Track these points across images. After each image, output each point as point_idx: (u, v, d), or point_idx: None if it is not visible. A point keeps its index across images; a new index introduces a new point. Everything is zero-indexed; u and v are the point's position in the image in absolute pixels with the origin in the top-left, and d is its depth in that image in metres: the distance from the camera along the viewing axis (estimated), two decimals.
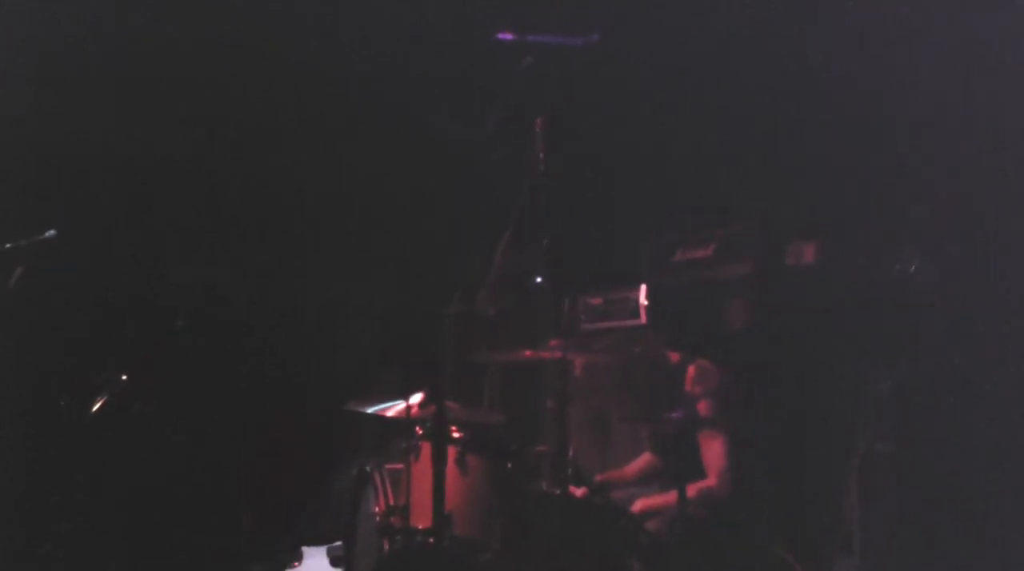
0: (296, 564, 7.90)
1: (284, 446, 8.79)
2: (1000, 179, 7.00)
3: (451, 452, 6.32)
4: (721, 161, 7.84)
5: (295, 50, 8.25)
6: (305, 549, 8.00)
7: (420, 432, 6.48)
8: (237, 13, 8.10)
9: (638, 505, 6.81)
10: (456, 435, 6.44)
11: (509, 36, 6.21)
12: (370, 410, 6.75)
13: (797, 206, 7.68)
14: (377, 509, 6.52)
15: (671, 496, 6.69)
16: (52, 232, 7.04)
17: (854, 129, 7.48)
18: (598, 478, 7.15)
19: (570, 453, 6.44)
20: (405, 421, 6.52)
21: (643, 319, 7.96)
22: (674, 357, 7.10)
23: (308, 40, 8.20)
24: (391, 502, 6.52)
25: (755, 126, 7.73)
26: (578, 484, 6.59)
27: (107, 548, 8.10)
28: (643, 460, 7.39)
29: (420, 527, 6.33)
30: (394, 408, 6.66)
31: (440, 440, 6.19)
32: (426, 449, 6.35)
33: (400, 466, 6.56)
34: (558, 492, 6.42)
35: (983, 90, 7.04)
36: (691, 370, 6.94)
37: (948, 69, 7.18)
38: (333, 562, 7.82)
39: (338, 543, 7.89)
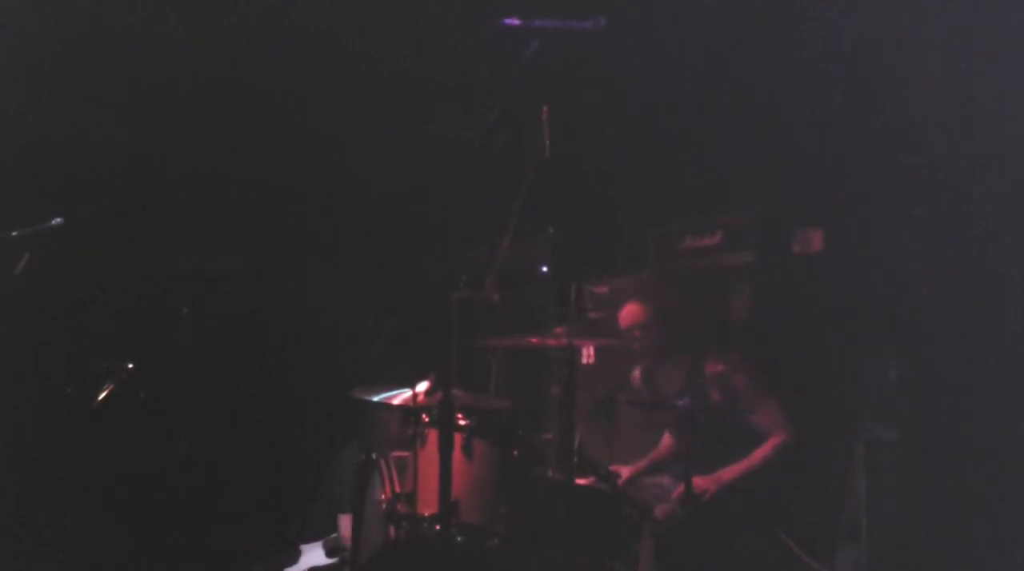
0: (294, 563, 7.93)
1: (289, 437, 8.81)
2: (1000, 178, 7.05)
3: (457, 439, 6.32)
4: (726, 150, 7.88)
5: (298, 45, 8.29)
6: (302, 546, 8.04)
7: (426, 419, 6.48)
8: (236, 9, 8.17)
9: (727, 474, 6.86)
10: (462, 422, 6.44)
11: (515, 21, 6.21)
12: (376, 398, 6.74)
13: (800, 196, 7.73)
14: (383, 496, 6.52)
15: (754, 459, 6.87)
16: (59, 220, 7.06)
17: (856, 122, 7.53)
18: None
19: (576, 440, 6.43)
20: (411, 409, 6.52)
21: None
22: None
23: (310, 35, 8.23)
24: (397, 489, 6.52)
25: (760, 116, 7.78)
26: (584, 471, 6.61)
27: (108, 540, 8.10)
28: (665, 443, 7.43)
29: (426, 514, 6.34)
30: (400, 396, 6.66)
31: (446, 427, 6.18)
32: (432, 436, 6.36)
33: (406, 453, 6.57)
34: (564, 479, 6.42)
35: (983, 90, 7.08)
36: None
37: (948, 67, 7.23)
38: (329, 553, 7.85)
39: (334, 535, 7.92)
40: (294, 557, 7.99)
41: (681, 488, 6.68)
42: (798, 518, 7.00)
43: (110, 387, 7.45)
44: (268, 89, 8.62)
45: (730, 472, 6.87)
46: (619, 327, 7.23)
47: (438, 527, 6.18)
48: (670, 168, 8.21)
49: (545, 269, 7.98)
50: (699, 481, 6.75)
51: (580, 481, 6.62)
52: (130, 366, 7.52)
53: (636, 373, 7.42)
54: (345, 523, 7.75)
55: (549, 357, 7.81)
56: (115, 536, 8.17)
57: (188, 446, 8.56)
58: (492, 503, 6.38)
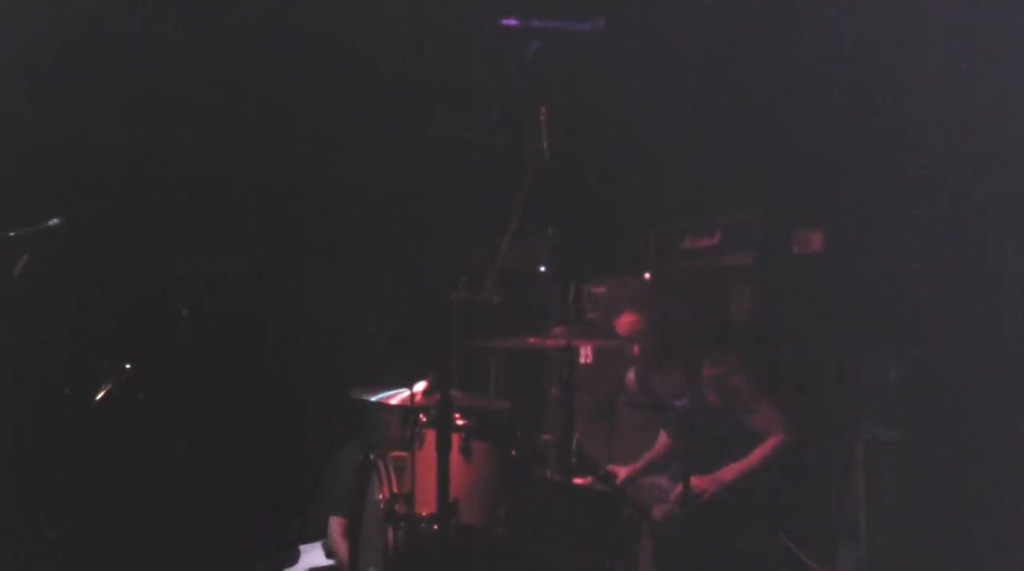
0: (293, 564, 7.92)
1: (287, 439, 8.82)
2: (1000, 178, 7.04)
3: (455, 439, 6.30)
4: (726, 150, 7.88)
5: (298, 45, 8.29)
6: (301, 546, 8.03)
7: (424, 420, 6.47)
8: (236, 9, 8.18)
9: (726, 474, 6.87)
10: (460, 423, 6.42)
11: (513, 22, 6.21)
12: (374, 398, 6.74)
13: (800, 196, 7.73)
14: (381, 497, 6.50)
15: (753, 459, 6.87)
16: (57, 220, 7.06)
17: (856, 122, 7.53)
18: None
19: (575, 440, 6.43)
20: (410, 409, 6.51)
21: None
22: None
23: (310, 35, 8.24)
24: (395, 490, 6.49)
25: (760, 116, 7.78)
26: (582, 471, 6.60)
27: (108, 540, 8.10)
28: (661, 442, 7.44)
29: (424, 514, 6.31)
30: (399, 396, 6.66)
31: (444, 427, 6.17)
32: (430, 437, 6.33)
33: (404, 454, 6.55)
34: (562, 479, 6.42)
35: (983, 90, 7.08)
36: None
37: (948, 67, 7.23)
38: (329, 554, 7.84)
39: None
40: (293, 558, 7.98)
41: (680, 489, 6.68)
42: (798, 518, 6.99)
43: (108, 388, 7.45)
44: (268, 89, 8.63)
45: (729, 472, 6.87)
46: (617, 332, 7.24)
47: (436, 527, 6.17)
48: (670, 168, 8.21)
49: (544, 269, 7.98)
50: (698, 481, 6.74)
51: (578, 482, 6.61)
52: (128, 367, 7.53)
53: (630, 376, 7.42)
54: (335, 526, 7.76)
55: (548, 358, 7.80)
56: (115, 536, 8.18)
57: (188, 446, 8.56)
58: (491, 504, 6.37)
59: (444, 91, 8.54)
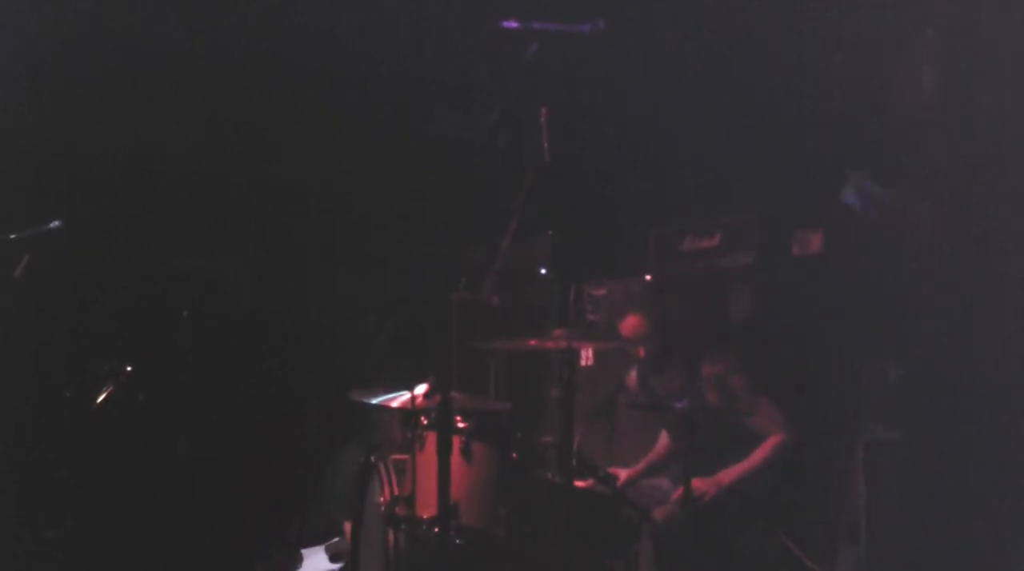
0: (296, 568, 7.92)
1: (287, 439, 8.82)
2: (1000, 178, 7.04)
3: (456, 442, 6.30)
4: (726, 150, 7.88)
5: (298, 45, 8.30)
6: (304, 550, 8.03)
7: (425, 422, 6.47)
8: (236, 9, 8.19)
9: (726, 476, 6.87)
10: (461, 425, 6.42)
11: (513, 24, 6.21)
12: (375, 400, 6.73)
13: (800, 196, 7.73)
14: (382, 499, 6.50)
15: (753, 459, 6.87)
16: (57, 222, 7.07)
17: (855, 122, 7.53)
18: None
19: (575, 442, 6.43)
20: (410, 411, 6.51)
21: None
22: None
23: (310, 35, 8.25)
24: (396, 492, 6.49)
25: (760, 116, 7.78)
26: (582, 473, 6.60)
27: (108, 540, 8.11)
28: (662, 443, 7.44)
29: (425, 517, 6.31)
30: (399, 398, 6.66)
31: (445, 429, 6.16)
32: (431, 439, 6.33)
33: (405, 456, 6.55)
34: (563, 481, 6.41)
35: (983, 90, 7.08)
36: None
37: (948, 67, 7.23)
38: (333, 558, 7.83)
39: (336, 539, 7.90)
40: (296, 561, 7.99)
41: (680, 491, 6.68)
42: (798, 519, 7.00)
43: (109, 389, 7.46)
44: (268, 89, 8.64)
45: (730, 474, 6.87)
46: (618, 332, 7.24)
47: (437, 530, 6.17)
48: (670, 168, 8.21)
49: (544, 270, 7.99)
50: (698, 483, 6.74)
51: (579, 484, 6.61)
52: (128, 369, 7.54)
53: (631, 376, 7.42)
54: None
55: (548, 359, 7.80)
56: (115, 536, 8.18)
57: (188, 446, 8.57)
58: (491, 505, 6.36)
59: (444, 91, 8.55)
